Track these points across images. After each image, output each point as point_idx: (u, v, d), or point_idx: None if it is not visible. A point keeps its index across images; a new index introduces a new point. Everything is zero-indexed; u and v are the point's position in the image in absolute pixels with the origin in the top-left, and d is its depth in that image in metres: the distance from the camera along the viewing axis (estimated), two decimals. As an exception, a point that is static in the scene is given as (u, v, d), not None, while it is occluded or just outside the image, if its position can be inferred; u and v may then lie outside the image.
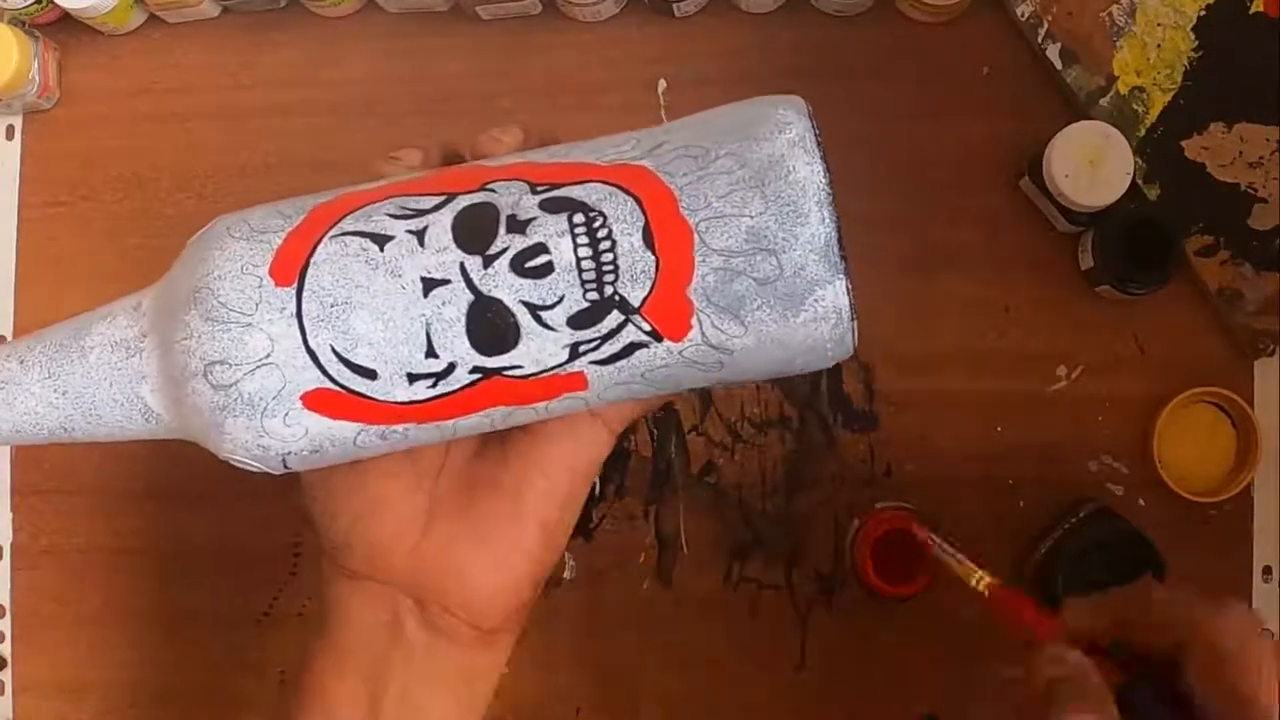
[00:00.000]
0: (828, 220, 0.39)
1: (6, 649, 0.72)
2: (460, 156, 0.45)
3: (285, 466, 0.43)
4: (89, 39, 0.74)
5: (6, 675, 0.72)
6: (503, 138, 0.44)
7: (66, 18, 0.72)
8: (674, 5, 0.70)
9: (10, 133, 0.75)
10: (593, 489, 0.69)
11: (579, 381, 0.41)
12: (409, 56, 0.73)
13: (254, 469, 0.43)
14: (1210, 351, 0.68)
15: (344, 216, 0.41)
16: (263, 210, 0.43)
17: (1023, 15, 0.68)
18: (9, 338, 0.74)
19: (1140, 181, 0.66)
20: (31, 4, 0.70)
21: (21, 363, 0.43)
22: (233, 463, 0.43)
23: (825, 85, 0.70)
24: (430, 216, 0.41)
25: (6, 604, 0.73)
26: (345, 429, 0.41)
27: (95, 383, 0.42)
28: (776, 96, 0.42)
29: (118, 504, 0.73)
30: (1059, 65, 0.67)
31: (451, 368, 0.40)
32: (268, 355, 0.40)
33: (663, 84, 0.71)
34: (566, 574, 0.70)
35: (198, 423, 0.41)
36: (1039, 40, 0.67)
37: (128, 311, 0.43)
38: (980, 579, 0.50)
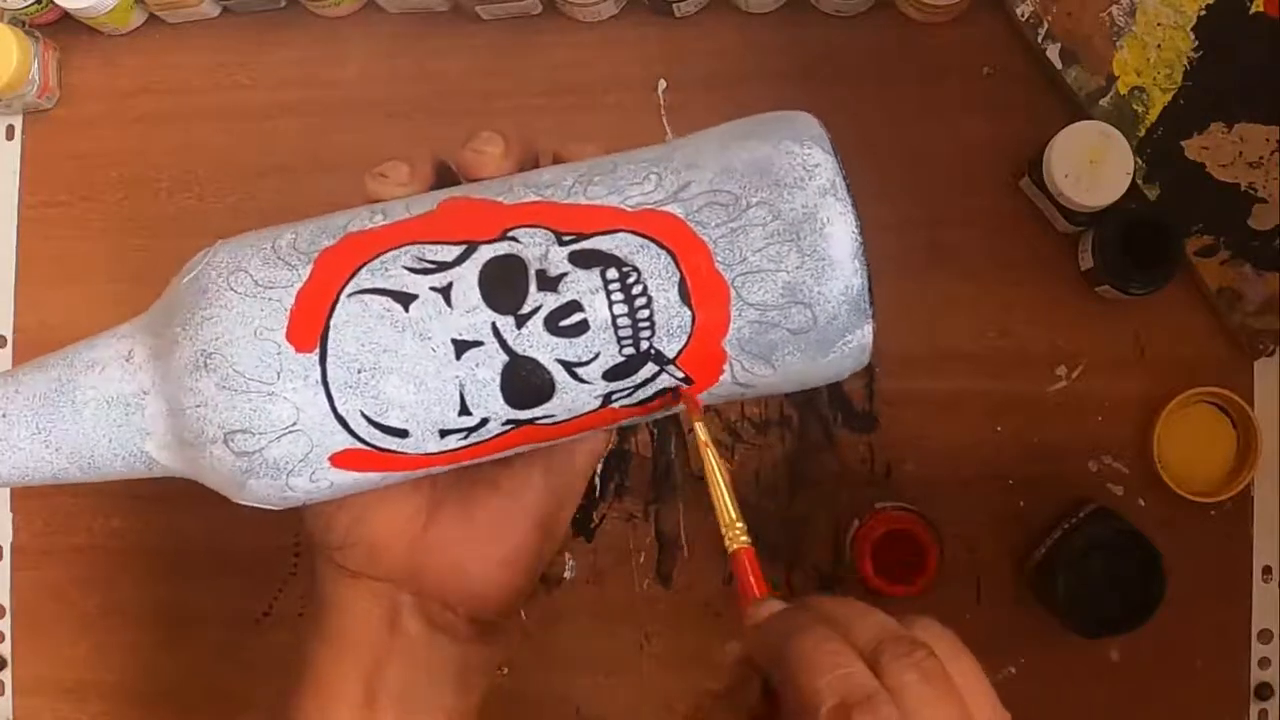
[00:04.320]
0: (860, 271, 0.39)
1: (6, 649, 0.72)
2: (447, 167, 0.45)
3: (303, 506, 0.43)
4: (89, 39, 0.74)
5: (6, 675, 0.72)
6: (486, 148, 0.43)
7: (66, 18, 0.72)
8: (674, 5, 0.70)
9: (10, 133, 0.75)
10: (593, 489, 0.70)
11: (606, 420, 0.41)
12: (409, 56, 0.73)
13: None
14: (1210, 351, 0.68)
15: (358, 269, 0.39)
16: (258, 253, 0.40)
17: (1023, 15, 0.67)
18: (9, 338, 0.73)
19: (1140, 181, 0.66)
20: (31, 4, 0.70)
21: (4, 417, 0.40)
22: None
23: (825, 85, 0.70)
24: (454, 271, 0.39)
25: (6, 604, 0.73)
26: (372, 478, 0.41)
27: (93, 439, 0.40)
28: (795, 118, 0.42)
29: (118, 504, 0.73)
30: (1059, 65, 0.67)
31: (485, 422, 0.40)
32: (294, 423, 0.39)
33: (663, 84, 0.71)
34: (566, 574, 0.70)
35: (215, 480, 0.40)
36: (1039, 40, 0.67)
37: (118, 363, 0.40)
38: (737, 535, 0.43)
